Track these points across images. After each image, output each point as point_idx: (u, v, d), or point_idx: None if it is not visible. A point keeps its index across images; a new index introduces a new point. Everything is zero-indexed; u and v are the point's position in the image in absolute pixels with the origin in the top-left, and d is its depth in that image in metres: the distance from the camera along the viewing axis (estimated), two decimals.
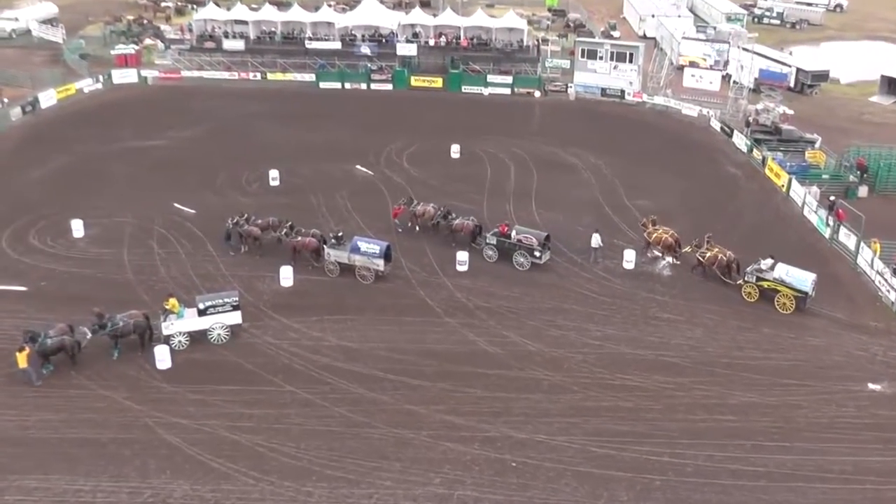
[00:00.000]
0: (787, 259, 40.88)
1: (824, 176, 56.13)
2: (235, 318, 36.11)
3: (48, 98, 70.08)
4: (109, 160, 57.52)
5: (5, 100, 68.45)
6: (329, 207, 50.14)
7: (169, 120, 66.89)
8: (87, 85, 75.09)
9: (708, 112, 70.44)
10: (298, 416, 31.43)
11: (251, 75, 79.60)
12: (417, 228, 46.92)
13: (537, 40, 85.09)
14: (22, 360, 32.16)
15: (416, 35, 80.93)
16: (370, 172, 56.37)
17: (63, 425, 30.68)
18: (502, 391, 33.11)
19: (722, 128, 67.30)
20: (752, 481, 28.63)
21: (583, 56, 77.42)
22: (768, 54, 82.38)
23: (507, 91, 77.62)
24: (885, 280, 41.31)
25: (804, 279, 39.89)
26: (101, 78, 76.47)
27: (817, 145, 60.84)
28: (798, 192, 52.63)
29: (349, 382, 33.41)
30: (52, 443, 29.78)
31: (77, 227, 45.48)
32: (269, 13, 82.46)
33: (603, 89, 76.30)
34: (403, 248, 44.34)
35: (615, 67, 75.94)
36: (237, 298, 36.40)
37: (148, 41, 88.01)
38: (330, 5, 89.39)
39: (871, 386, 34.23)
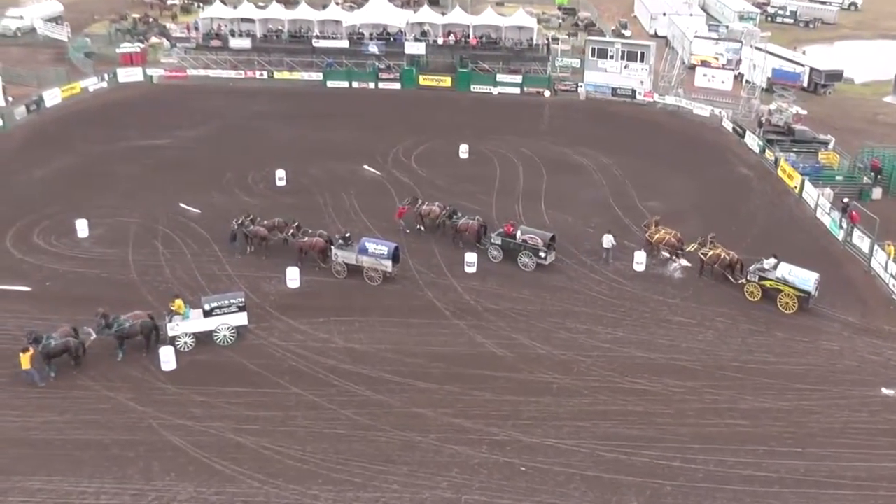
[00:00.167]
0: (800, 262, 40.77)
1: (838, 177, 55.97)
2: (241, 319, 36.15)
3: (53, 97, 70.24)
4: (114, 159, 57.66)
5: (10, 98, 68.62)
6: (336, 208, 50.18)
7: (174, 119, 67.03)
8: (93, 84, 75.26)
9: (720, 112, 70.35)
10: (304, 418, 31.44)
11: (258, 74, 79.69)
12: (423, 228, 46.96)
13: (547, 39, 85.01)
14: (25, 361, 32.22)
15: (424, 33, 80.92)
16: (378, 172, 56.39)
17: (67, 426, 30.74)
18: (511, 394, 33.08)
19: (734, 128, 67.21)
20: (765, 487, 28.56)
21: (593, 55, 77.40)
22: (781, 53, 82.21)
23: (517, 90, 77.60)
24: None
25: (807, 279, 39.84)
26: (106, 77, 76.64)
27: (831, 146, 60.69)
28: (811, 193, 52.51)
29: (356, 384, 33.42)
30: (55, 444, 29.83)
31: (81, 227, 45.57)
32: (276, 11, 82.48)
33: (613, 89, 76.27)
34: (411, 249, 44.34)
35: (626, 67, 75.89)
36: (243, 299, 36.42)
37: (154, 39, 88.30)
38: (337, 3, 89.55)
39: (884, 391, 34.10)
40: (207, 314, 35.54)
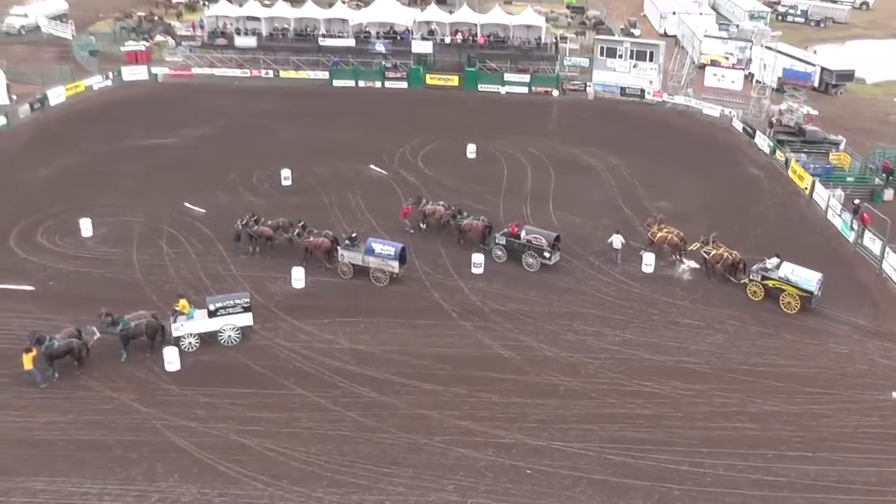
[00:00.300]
0: (811, 264, 40.70)
1: (849, 178, 55.90)
2: (246, 319, 36.19)
3: (57, 95, 70.39)
4: (119, 158, 57.75)
5: (14, 96, 68.81)
6: (342, 208, 50.22)
7: (179, 118, 67.15)
8: (97, 82, 75.43)
9: (730, 112, 70.27)
10: (309, 419, 31.45)
11: (263, 73, 79.78)
12: (426, 227, 47.03)
13: (556, 38, 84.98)
14: (28, 362, 32.25)
15: (431, 32, 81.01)
16: (384, 172, 56.42)
17: (70, 427, 30.80)
18: (517, 397, 33.06)
19: (744, 128, 67.14)
20: (774, 491, 28.50)
21: (602, 54, 77.36)
22: (792, 53, 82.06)
23: (525, 90, 77.59)
24: None
25: (809, 279, 39.81)
26: (110, 75, 76.80)
27: (842, 147, 60.57)
28: (822, 194, 52.40)
29: (361, 386, 33.43)
30: (58, 444, 29.89)
31: (85, 227, 45.65)
32: (282, 9, 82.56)
33: (622, 88, 76.24)
34: (417, 250, 44.33)
35: (635, 66, 75.84)
36: (248, 300, 36.46)
37: (158, 38, 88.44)
38: (344, 2, 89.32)
39: (895, 395, 34.01)
40: (212, 314, 35.57)
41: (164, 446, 29.87)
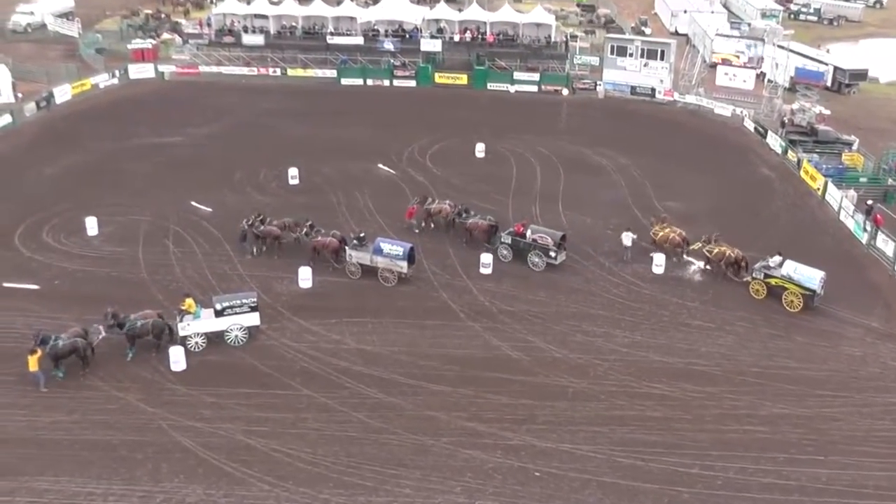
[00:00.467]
0: (823, 265, 40.64)
1: (862, 179, 55.79)
2: (253, 319, 36.24)
3: (63, 93, 70.52)
4: (125, 157, 57.88)
5: (20, 94, 69.02)
6: (350, 207, 50.26)
7: (186, 116, 67.25)
8: (103, 80, 75.53)
9: (741, 112, 70.13)
10: (315, 420, 31.50)
11: (271, 71, 79.80)
12: (432, 226, 47.08)
13: (566, 36, 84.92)
14: (33, 363, 32.26)
15: (440, 30, 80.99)
16: (392, 171, 56.45)
17: (75, 426, 30.88)
18: (526, 398, 33.05)
19: (756, 128, 66.99)
20: (785, 495, 28.45)
21: (612, 53, 77.28)
22: (804, 52, 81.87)
23: (534, 88, 77.47)
24: None
25: (812, 277, 39.79)
26: (117, 73, 76.91)
27: (855, 147, 60.40)
28: (834, 195, 52.29)
29: (368, 387, 33.46)
30: (63, 444, 29.97)
31: (91, 225, 45.75)
32: (290, 7, 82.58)
33: (633, 87, 76.11)
34: (425, 250, 44.34)
35: (646, 65, 75.78)
36: (255, 299, 36.51)
37: (165, 35, 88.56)
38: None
39: None
40: (219, 314, 35.64)
41: (170, 446, 29.94)
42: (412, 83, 78.53)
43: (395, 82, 78.74)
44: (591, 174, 57.21)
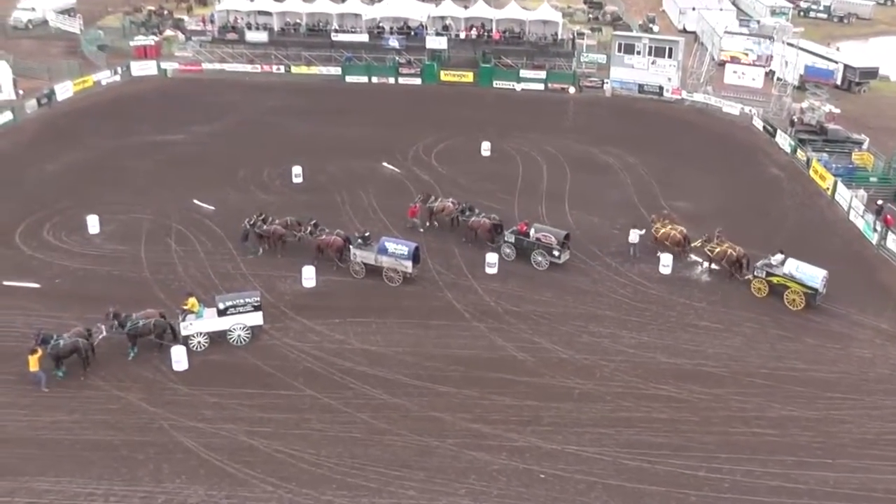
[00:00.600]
0: (832, 266, 40.61)
1: (872, 179, 55.72)
2: (256, 318, 36.26)
3: (64, 90, 70.72)
4: (127, 155, 57.99)
5: (21, 91, 69.20)
6: (354, 206, 50.27)
7: (188, 114, 67.33)
8: (105, 77, 75.76)
9: (750, 110, 70.06)
10: (319, 421, 31.51)
11: (275, 68, 79.92)
12: (436, 224, 47.13)
13: (573, 34, 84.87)
14: (33, 363, 32.30)
15: (446, 28, 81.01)
16: (397, 170, 56.48)
17: (76, 426, 30.93)
18: (531, 399, 33.04)
19: (765, 127, 66.90)
20: (793, 499, 28.39)
21: (620, 51, 77.24)
22: (814, 50, 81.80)
23: (541, 86, 77.52)
24: None
25: (814, 275, 39.79)
26: (119, 70, 77.11)
27: (865, 146, 60.30)
28: (844, 195, 52.18)
29: (372, 387, 33.46)
30: (64, 444, 30.02)
31: (93, 224, 45.83)
32: (294, 4, 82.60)
33: (640, 86, 76.05)
34: (430, 249, 44.34)
35: (653, 63, 75.72)
36: (258, 299, 36.56)
37: (168, 32, 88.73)
38: None
39: None
40: (222, 313, 35.67)
41: (172, 447, 29.97)
42: (417, 81, 78.56)
43: (401, 80, 78.80)
44: (598, 173, 57.17)
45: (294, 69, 79.71)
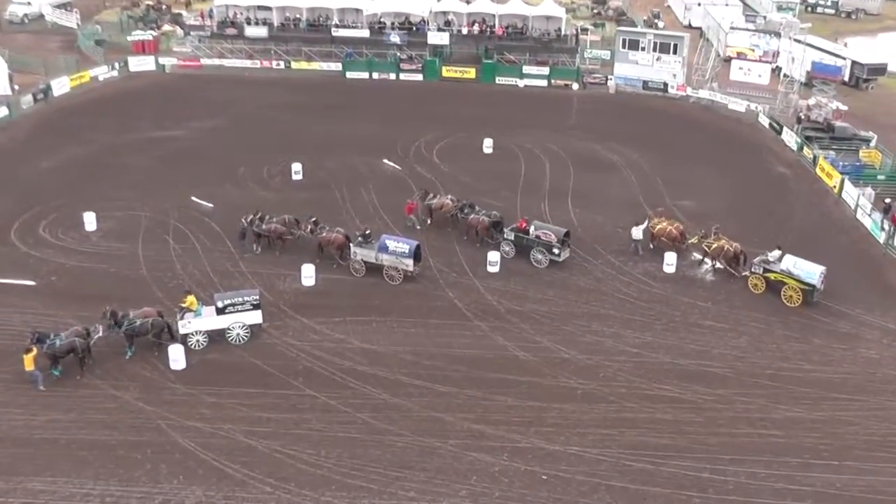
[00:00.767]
0: (839, 265, 40.66)
1: (880, 177, 55.67)
2: (256, 317, 36.27)
3: (61, 86, 70.75)
4: (124, 151, 58.04)
5: (17, 87, 69.19)
6: (354, 203, 50.28)
7: (187, 110, 67.38)
8: (103, 72, 75.80)
9: (756, 107, 70.07)
10: (318, 421, 31.52)
11: (274, 64, 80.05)
12: (428, 221, 47.19)
13: (576, 29, 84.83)
14: (28, 362, 32.29)
15: (448, 23, 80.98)
16: (398, 167, 56.48)
17: (72, 426, 30.94)
18: (534, 400, 33.04)
19: (771, 124, 66.87)
20: (798, 501, 28.38)
21: (624, 47, 77.16)
22: (821, 46, 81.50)
23: (544, 83, 77.58)
24: None
25: (812, 271, 39.83)
26: (116, 65, 77.18)
27: (873, 144, 60.25)
28: (851, 193, 52.16)
29: (372, 387, 33.47)
30: (60, 444, 30.03)
31: (90, 221, 45.84)
32: None
33: (645, 82, 76.10)
34: (432, 248, 44.33)
35: (658, 59, 75.66)
36: (258, 297, 36.57)
37: (166, 27, 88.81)
38: None
39: None
40: (220, 311, 35.68)
41: (169, 447, 29.98)
42: (419, 77, 78.62)
43: (402, 76, 78.89)
44: (602, 171, 57.16)
45: (294, 65, 79.83)
